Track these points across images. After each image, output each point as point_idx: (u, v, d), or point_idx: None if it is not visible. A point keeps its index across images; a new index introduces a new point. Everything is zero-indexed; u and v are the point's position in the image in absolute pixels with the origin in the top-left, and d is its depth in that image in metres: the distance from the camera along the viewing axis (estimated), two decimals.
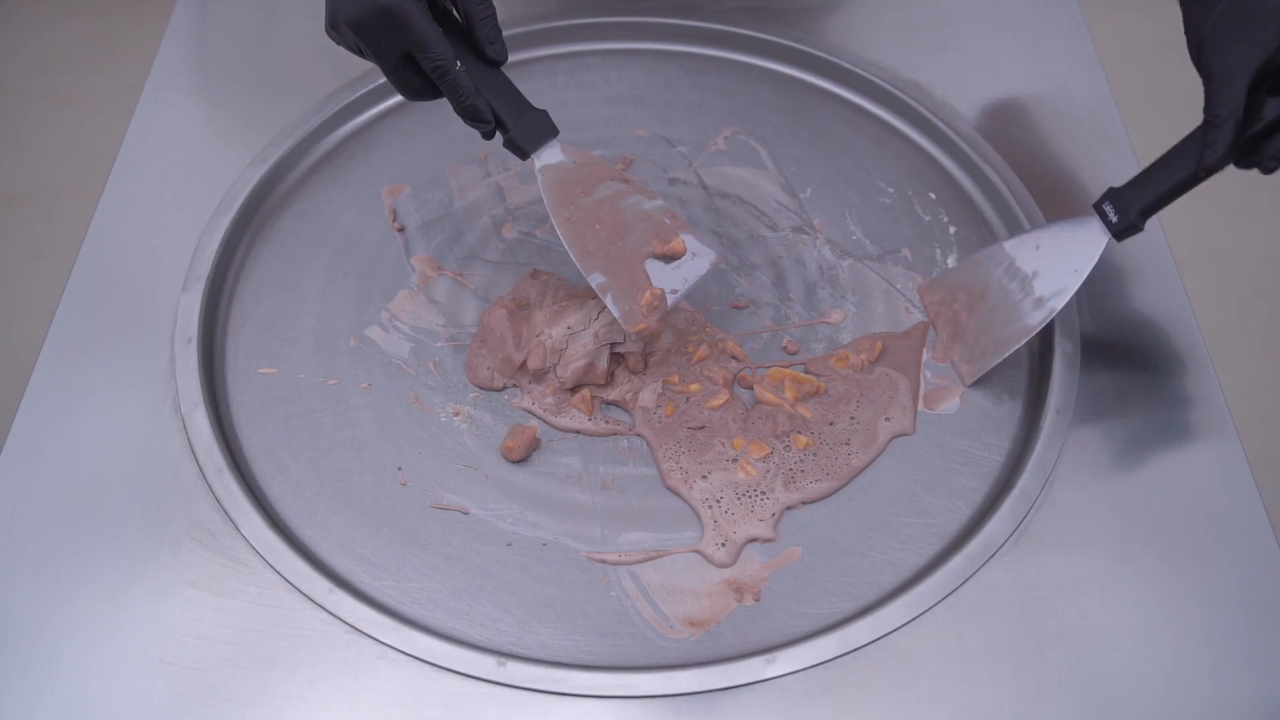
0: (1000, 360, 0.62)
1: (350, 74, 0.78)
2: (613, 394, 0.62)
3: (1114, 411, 0.61)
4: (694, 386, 0.62)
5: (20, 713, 0.50)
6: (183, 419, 0.60)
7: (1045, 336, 0.64)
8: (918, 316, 0.67)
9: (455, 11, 0.57)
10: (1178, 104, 1.83)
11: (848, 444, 0.60)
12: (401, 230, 0.71)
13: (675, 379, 0.63)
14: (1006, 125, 0.75)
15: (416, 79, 0.56)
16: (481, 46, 0.57)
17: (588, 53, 0.82)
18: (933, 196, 0.73)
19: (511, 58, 0.81)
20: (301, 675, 0.51)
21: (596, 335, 0.62)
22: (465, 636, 0.54)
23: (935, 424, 0.62)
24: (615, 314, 0.59)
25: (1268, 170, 0.53)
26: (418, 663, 0.52)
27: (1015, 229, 0.70)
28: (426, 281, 0.69)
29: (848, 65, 0.79)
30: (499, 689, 0.51)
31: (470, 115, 0.57)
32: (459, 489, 0.59)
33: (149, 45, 0.81)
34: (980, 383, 0.64)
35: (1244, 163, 0.54)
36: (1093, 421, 0.61)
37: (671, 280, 0.60)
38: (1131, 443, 0.60)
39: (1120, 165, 0.73)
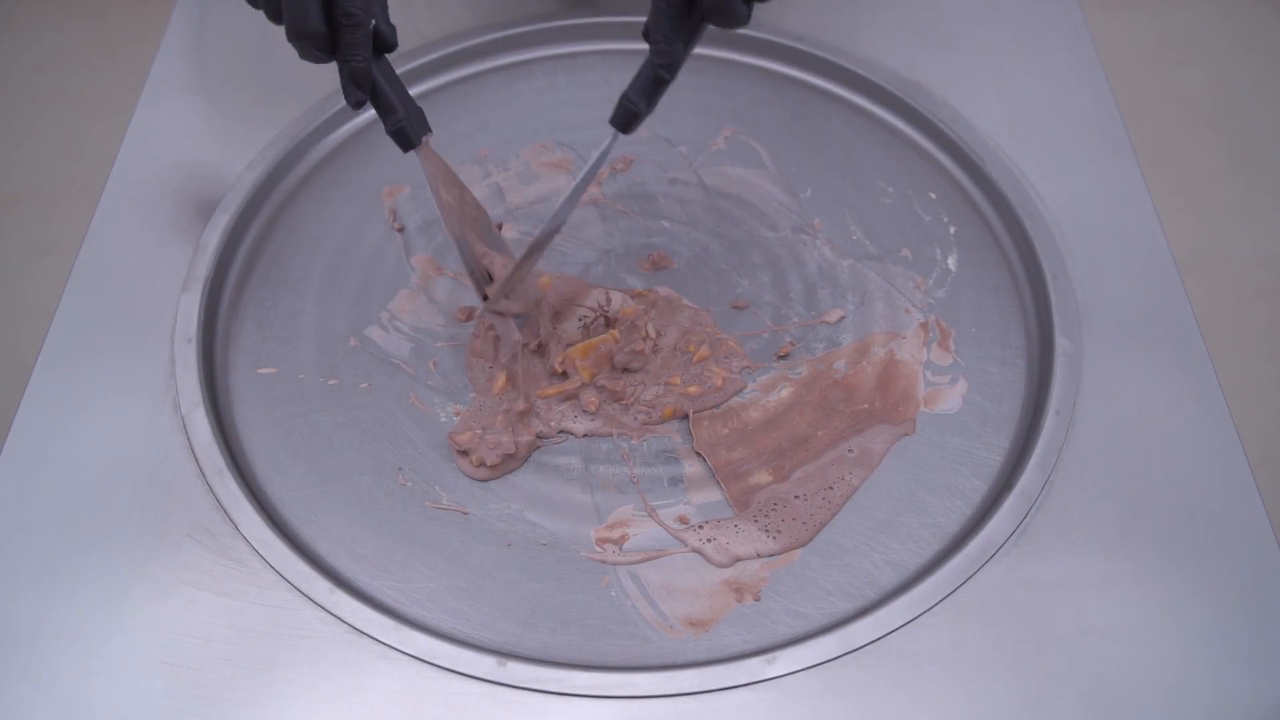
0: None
1: None
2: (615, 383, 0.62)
3: (1114, 411, 0.61)
4: (693, 389, 0.62)
5: (20, 713, 0.50)
6: (183, 419, 0.60)
7: (1046, 337, 0.64)
8: (918, 316, 0.67)
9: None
10: (1178, 104, 1.84)
11: (830, 489, 0.60)
12: (401, 230, 0.72)
13: (676, 380, 0.63)
14: (1006, 125, 0.75)
15: (318, 19, 0.53)
16: (380, 27, 0.55)
17: (588, 53, 0.82)
18: (933, 196, 0.73)
19: (511, 58, 0.82)
20: (301, 675, 0.51)
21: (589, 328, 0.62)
22: (465, 636, 0.54)
23: (935, 424, 0.62)
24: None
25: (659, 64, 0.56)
26: (418, 663, 0.52)
27: (1015, 228, 0.70)
28: (426, 281, 0.69)
29: (848, 65, 0.79)
30: (499, 689, 0.51)
31: (355, 79, 0.55)
32: (459, 489, 0.59)
33: (149, 46, 0.81)
34: (980, 382, 0.64)
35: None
36: (1093, 421, 0.61)
37: None
38: (1131, 443, 0.60)
39: (1120, 165, 0.73)
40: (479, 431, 0.60)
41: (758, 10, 0.83)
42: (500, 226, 0.70)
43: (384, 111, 0.57)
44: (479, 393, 0.62)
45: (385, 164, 0.75)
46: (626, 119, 0.58)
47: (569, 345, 0.62)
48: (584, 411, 0.62)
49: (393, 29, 0.57)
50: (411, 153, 0.59)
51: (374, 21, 0.55)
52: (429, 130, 0.60)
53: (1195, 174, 1.63)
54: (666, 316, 0.66)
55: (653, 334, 0.63)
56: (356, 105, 0.57)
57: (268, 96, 0.77)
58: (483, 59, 0.81)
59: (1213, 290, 1.47)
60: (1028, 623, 0.53)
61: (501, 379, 0.62)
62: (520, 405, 0.61)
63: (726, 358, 0.64)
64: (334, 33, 0.54)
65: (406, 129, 0.58)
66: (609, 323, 0.63)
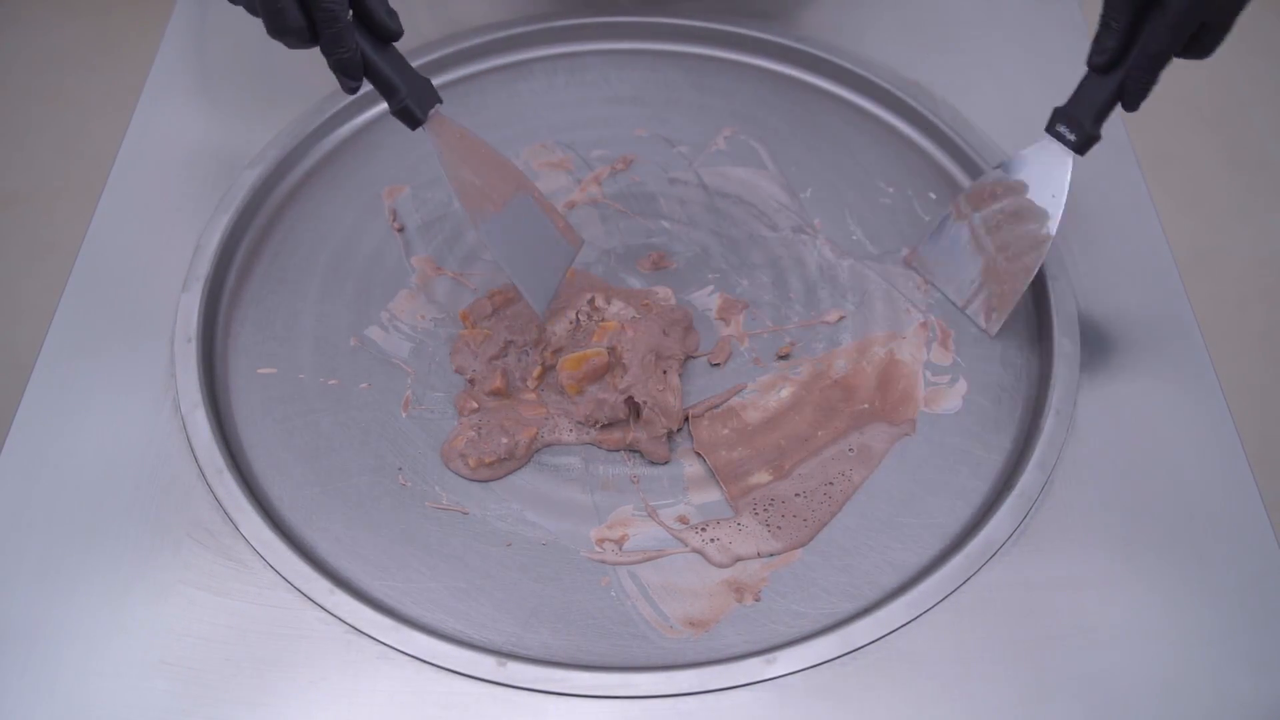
0: (1017, 300, 0.64)
1: None
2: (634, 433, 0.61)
3: (1114, 411, 0.61)
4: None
5: (20, 713, 0.50)
6: (183, 419, 0.60)
7: (1046, 337, 0.64)
8: (917, 316, 0.67)
9: None
10: (1178, 104, 1.84)
11: (830, 484, 0.60)
12: (401, 230, 0.72)
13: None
14: (1006, 125, 0.75)
15: (297, 15, 0.52)
16: (378, 16, 0.54)
17: (588, 53, 0.82)
18: (933, 196, 0.73)
19: (512, 58, 0.82)
20: (301, 675, 0.51)
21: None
22: (465, 636, 0.54)
23: (935, 424, 0.62)
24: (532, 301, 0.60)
25: (1134, 94, 0.57)
26: (418, 663, 0.52)
27: None
28: (426, 281, 0.69)
29: (848, 65, 0.79)
30: (499, 689, 0.51)
31: (343, 69, 0.54)
32: (459, 489, 0.59)
33: (149, 45, 0.81)
34: (980, 382, 0.64)
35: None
36: (1093, 421, 0.61)
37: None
38: (1131, 443, 0.60)
39: (1120, 165, 0.73)
40: (474, 435, 0.60)
41: (759, 9, 0.83)
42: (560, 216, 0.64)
43: (385, 93, 0.56)
44: (487, 396, 0.62)
45: (385, 164, 0.75)
46: (1088, 145, 0.61)
47: (556, 350, 0.62)
48: (578, 424, 0.61)
49: (392, 14, 0.55)
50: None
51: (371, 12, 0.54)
52: (438, 100, 0.57)
53: (1195, 174, 1.63)
54: (641, 336, 0.62)
55: (625, 362, 0.61)
56: (351, 92, 0.56)
57: (268, 96, 0.77)
58: (483, 59, 0.81)
59: (1213, 290, 1.47)
60: (1028, 623, 0.53)
61: (534, 397, 0.62)
62: (531, 431, 0.61)
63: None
64: (315, 26, 0.53)
65: (410, 107, 0.56)
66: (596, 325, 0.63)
